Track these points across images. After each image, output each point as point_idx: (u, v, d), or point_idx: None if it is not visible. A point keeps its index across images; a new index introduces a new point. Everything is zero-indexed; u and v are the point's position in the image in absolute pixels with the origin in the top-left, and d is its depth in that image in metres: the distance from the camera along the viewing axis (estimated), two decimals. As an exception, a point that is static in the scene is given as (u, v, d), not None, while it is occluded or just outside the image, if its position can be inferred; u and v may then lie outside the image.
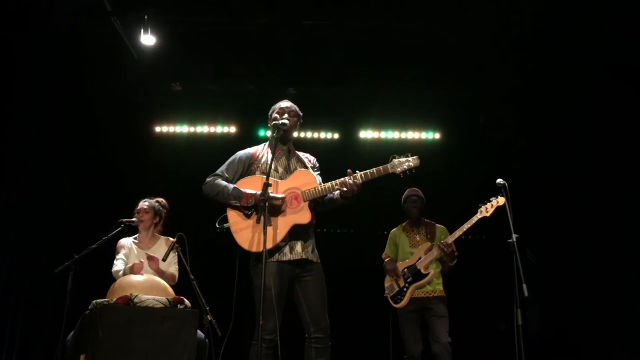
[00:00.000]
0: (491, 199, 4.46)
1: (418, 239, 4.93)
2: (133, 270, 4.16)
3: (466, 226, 4.62)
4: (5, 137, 5.63)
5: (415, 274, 4.75)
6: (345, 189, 3.48)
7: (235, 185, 3.57)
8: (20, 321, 5.70)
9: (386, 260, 4.98)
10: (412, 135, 7.51)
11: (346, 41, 6.23)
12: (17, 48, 5.60)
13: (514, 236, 3.80)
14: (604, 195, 5.86)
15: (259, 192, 3.38)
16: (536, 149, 7.05)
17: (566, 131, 6.53)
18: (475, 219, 4.57)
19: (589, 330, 5.91)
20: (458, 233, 4.67)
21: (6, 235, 5.59)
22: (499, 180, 4.06)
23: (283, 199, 3.47)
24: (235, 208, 3.54)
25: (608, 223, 5.79)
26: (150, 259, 4.24)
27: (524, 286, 3.60)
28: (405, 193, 5.03)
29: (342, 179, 3.49)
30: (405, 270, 4.80)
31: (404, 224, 5.07)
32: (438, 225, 4.99)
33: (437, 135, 7.52)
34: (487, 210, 4.49)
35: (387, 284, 4.91)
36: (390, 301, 4.85)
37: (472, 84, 6.81)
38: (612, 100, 5.76)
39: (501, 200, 4.29)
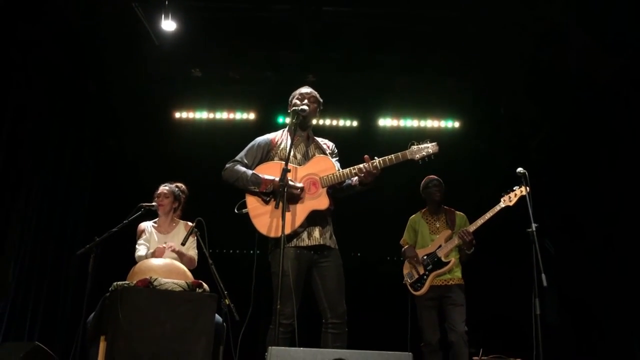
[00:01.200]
0: (514, 188, 4.40)
1: (438, 225, 4.91)
2: (155, 255, 4.24)
3: (488, 215, 4.58)
4: (27, 124, 5.70)
5: (436, 262, 4.73)
6: (363, 175, 3.48)
7: (253, 171, 3.59)
8: (42, 302, 5.81)
9: (405, 247, 4.95)
10: (431, 123, 7.46)
11: (366, 28, 6.19)
12: (36, 35, 5.65)
13: (533, 225, 3.77)
14: (626, 184, 5.78)
15: (278, 178, 3.40)
16: (557, 139, 6.97)
17: (587, 121, 6.44)
18: (497, 208, 4.52)
19: (607, 320, 5.87)
20: (480, 221, 4.61)
21: (29, 218, 5.68)
22: (519, 169, 4.02)
23: (302, 188, 3.49)
24: (253, 193, 3.56)
25: (628, 214, 5.72)
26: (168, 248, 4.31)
27: (543, 276, 3.58)
28: (425, 179, 4.99)
29: (360, 165, 3.50)
30: (425, 257, 4.78)
31: (424, 210, 5.04)
32: (458, 213, 4.96)
33: (457, 124, 7.47)
34: (509, 199, 4.44)
35: (405, 271, 4.89)
36: (410, 288, 4.83)
37: (493, 73, 6.74)
38: (634, 93, 5.66)
39: (524, 190, 4.24)
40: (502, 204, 4.50)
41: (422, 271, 4.77)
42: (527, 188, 4.08)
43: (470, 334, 4.55)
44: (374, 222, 6.67)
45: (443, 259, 4.72)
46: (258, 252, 3.52)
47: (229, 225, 4.30)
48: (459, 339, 4.50)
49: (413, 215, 5.08)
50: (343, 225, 3.87)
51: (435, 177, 4.97)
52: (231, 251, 6.81)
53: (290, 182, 3.41)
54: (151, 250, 4.35)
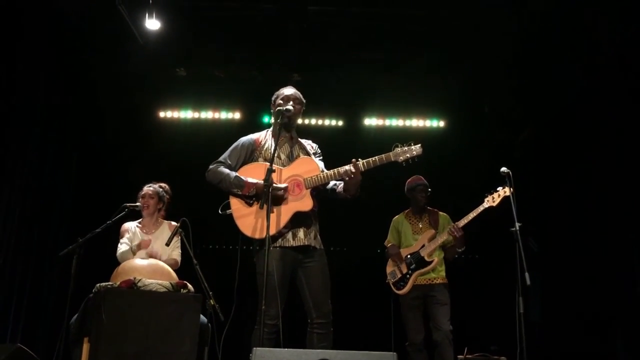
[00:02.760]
0: (497, 189, 4.41)
1: (421, 226, 4.91)
2: (140, 246, 4.24)
3: (472, 215, 4.60)
4: (10, 122, 5.63)
5: (419, 261, 4.74)
6: (346, 177, 3.49)
7: (237, 174, 3.58)
8: (25, 304, 5.74)
9: (389, 245, 4.96)
10: (416, 122, 7.48)
11: (351, 27, 6.19)
12: (21, 33, 5.58)
13: (517, 224, 3.79)
14: (608, 184, 5.84)
15: (261, 182, 3.40)
16: (541, 137, 7.03)
17: (571, 120, 6.50)
18: (481, 208, 4.54)
19: (589, 318, 5.93)
20: (463, 222, 4.63)
21: (10, 219, 5.62)
22: (503, 169, 4.03)
23: (285, 189, 3.48)
24: (237, 195, 3.56)
25: (612, 212, 5.78)
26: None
27: (526, 274, 3.61)
28: (411, 181, 4.97)
29: (344, 167, 3.50)
30: (408, 256, 4.79)
31: (407, 210, 5.05)
32: (441, 213, 4.98)
33: (442, 123, 7.50)
34: (493, 199, 4.46)
35: (388, 270, 4.90)
36: (393, 287, 4.84)
37: (478, 72, 6.77)
38: (618, 89, 5.72)
39: (508, 190, 4.23)
40: (485, 204, 4.52)
41: (405, 270, 4.78)
42: (511, 189, 4.10)
43: (454, 332, 4.57)
44: (358, 221, 6.68)
45: (426, 258, 4.73)
46: (242, 252, 3.51)
47: (214, 225, 4.28)
48: (443, 338, 4.52)
49: (396, 217, 5.09)
50: (327, 224, 3.87)
51: (422, 180, 4.95)
52: (215, 251, 6.77)
53: (274, 184, 3.40)
54: (136, 243, 4.34)
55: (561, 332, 6.34)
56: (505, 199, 4.31)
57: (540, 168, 6.92)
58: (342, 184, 3.61)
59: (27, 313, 5.75)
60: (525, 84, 6.66)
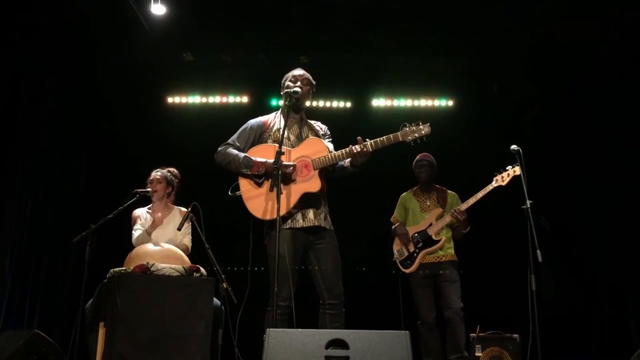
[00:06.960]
0: (507, 168, 4.39)
1: (428, 203, 4.89)
2: (154, 224, 4.38)
3: (480, 194, 4.57)
4: (20, 111, 5.67)
5: (426, 240, 4.74)
6: (354, 157, 3.48)
7: (245, 154, 3.59)
8: (40, 290, 5.81)
9: (396, 224, 4.96)
10: (424, 102, 7.43)
11: (358, 8, 6.14)
12: (27, 22, 5.59)
13: (528, 202, 3.79)
14: (619, 161, 5.80)
15: (270, 160, 3.41)
16: (550, 115, 6.97)
17: (581, 97, 6.43)
18: (490, 187, 4.51)
19: (601, 294, 5.92)
20: (472, 201, 4.61)
21: (24, 206, 5.67)
22: (513, 146, 4.03)
23: (294, 166, 3.49)
24: (246, 176, 3.57)
25: (623, 189, 5.74)
26: None
27: (538, 252, 3.61)
28: (416, 158, 4.97)
29: (351, 147, 3.49)
30: (416, 234, 4.78)
31: (415, 188, 5.04)
32: (449, 192, 4.95)
33: (450, 103, 7.44)
34: (502, 178, 4.43)
35: (395, 248, 4.90)
36: (399, 265, 4.84)
37: (486, 50, 6.70)
38: (629, 66, 5.65)
39: (517, 170, 4.20)
40: (494, 184, 4.49)
41: (412, 249, 4.77)
42: (519, 168, 4.08)
43: (465, 310, 4.57)
44: (366, 200, 6.67)
45: (434, 237, 4.72)
46: (253, 234, 3.53)
47: (224, 209, 4.29)
48: (454, 316, 4.52)
49: (404, 193, 5.07)
50: (335, 204, 3.87)
51: (426, 157, 4.93)
52: (226, 235, 6.78)
53: (283, 162, 3.40)
54: (149, 224, 4.40)
55: (574, 310, 6.34)
56: (515, 177, 4.29)
57: (550, 146, 6.87)
58: (349, 160, 3.60)
59: (43, 299, 5.83)
60: (534, 61, 6.58)
